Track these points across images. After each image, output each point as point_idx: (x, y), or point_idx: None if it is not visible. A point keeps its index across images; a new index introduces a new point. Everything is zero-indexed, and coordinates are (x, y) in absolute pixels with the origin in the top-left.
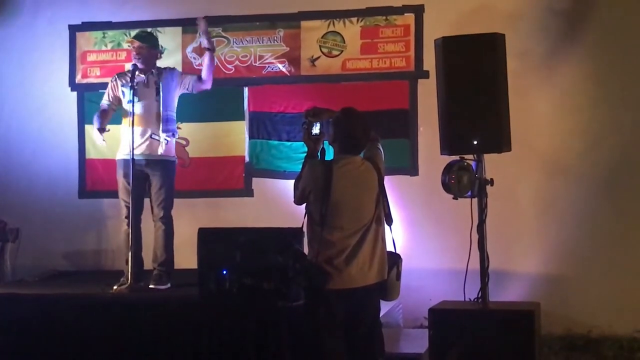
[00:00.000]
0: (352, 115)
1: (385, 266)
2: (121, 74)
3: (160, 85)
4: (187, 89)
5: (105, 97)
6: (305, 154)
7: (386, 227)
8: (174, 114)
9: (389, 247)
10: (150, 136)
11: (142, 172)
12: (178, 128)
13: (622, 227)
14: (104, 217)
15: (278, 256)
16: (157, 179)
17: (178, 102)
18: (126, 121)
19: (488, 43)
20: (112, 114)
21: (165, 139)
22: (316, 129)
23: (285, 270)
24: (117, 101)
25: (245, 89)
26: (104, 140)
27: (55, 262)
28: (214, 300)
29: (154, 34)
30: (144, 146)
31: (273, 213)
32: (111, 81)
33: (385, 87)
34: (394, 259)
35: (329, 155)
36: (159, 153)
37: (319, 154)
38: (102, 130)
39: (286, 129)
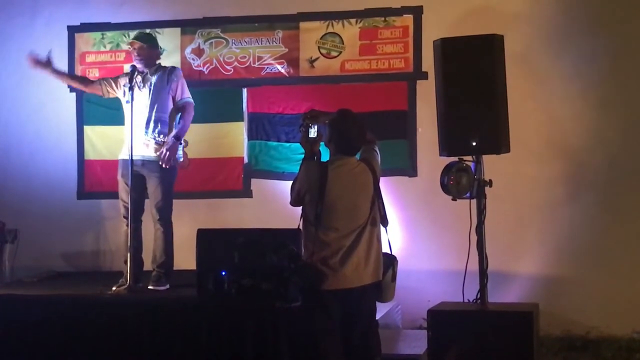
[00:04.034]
0: (348, 116)
1: (381, 267)
2: (127, 74)
3: (152, 86)
4: (173, 95)
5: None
6: (303, 157)
7: (382, 228)
8: (166, 115)
9: (385, 249)
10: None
11: (139, 173)
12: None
13: (621, 228)
14: (102, 218)
15: (273, 256)
16: (153, 180)
17: None
18: (128, 122)
19: (486, 44)
20: (89, 85)
21: (154, 139)
22: (313, 132)
23: (282, 270)
24: (108, 86)
25: (244, 90)
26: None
27: (53, 263)
28: (212, 301)
29: (153, 34)
30: (141, 147)
31: (272, 214)
32: (118, 77)
33: (384, 88)
34: (390, 261)
35: (325, 157)
36: (156, 154)
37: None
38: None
39: (285, 130)
